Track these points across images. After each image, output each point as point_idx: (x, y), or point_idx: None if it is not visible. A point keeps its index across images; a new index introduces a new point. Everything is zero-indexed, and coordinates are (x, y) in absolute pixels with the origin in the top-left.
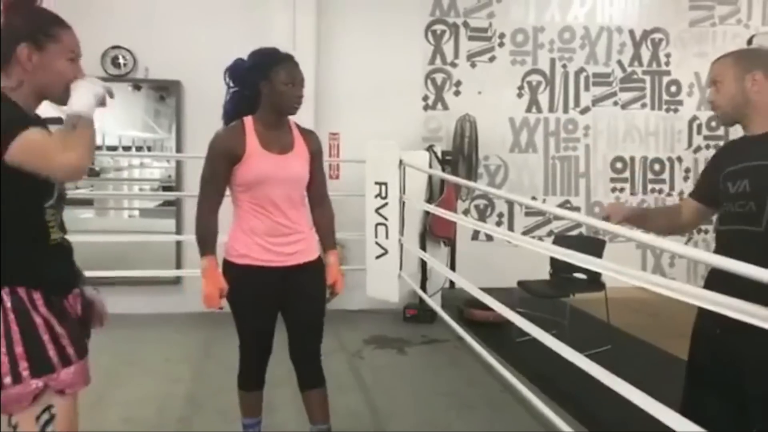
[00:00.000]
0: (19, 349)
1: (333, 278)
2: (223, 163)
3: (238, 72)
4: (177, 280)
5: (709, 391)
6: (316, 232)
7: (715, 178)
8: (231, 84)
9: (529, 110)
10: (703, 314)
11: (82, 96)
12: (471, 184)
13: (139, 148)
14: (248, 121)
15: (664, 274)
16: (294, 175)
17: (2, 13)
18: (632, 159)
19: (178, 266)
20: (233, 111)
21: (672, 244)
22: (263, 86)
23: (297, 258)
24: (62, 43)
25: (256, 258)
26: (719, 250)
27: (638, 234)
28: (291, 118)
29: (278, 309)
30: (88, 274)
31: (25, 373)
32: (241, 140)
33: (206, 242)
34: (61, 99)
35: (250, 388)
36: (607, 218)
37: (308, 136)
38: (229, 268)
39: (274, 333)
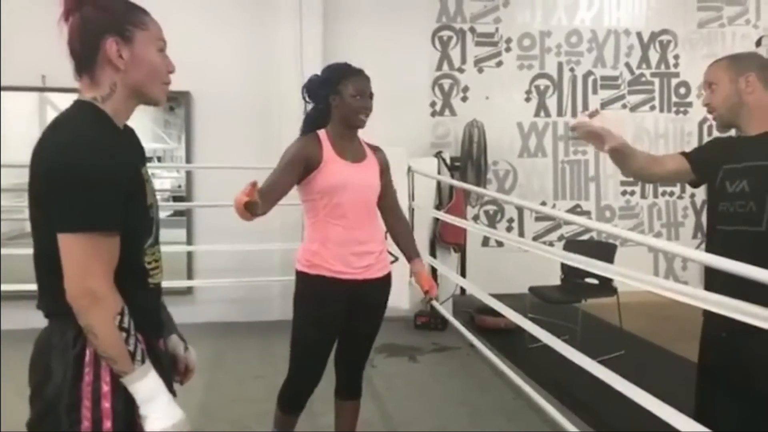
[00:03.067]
0: (106, 405)
1: (427, 284)
2: (297, 166)
3: (312, 87)
4: (188, 291)
5: (720, 394)
6: (395, 242)
7: (714, 168)
8: (307, 99)
9: (537, 114)
10: (709, 317)
11: (161, 412)
12: (480, 190)
13: (149, 159)
14: (322, 133)
15: (677, 277)
16: (369, 183)
17: (72, 12)
18: None
19: (189, 276)
20: (309, 126)
21: (684, 249)
22: (333, 99)
23: (369, 272)
24: (149, 30)
25: (329, 269)
26: (716, 250)
27: (648, 239)
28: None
29: (342, 324)
30: None
31: None
32: (318, 148)
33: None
34: (158, 98)
35: (291, 410)
36: (592, 114)
37: (376, 150)
38: (301, 278)
39: (329, 354)
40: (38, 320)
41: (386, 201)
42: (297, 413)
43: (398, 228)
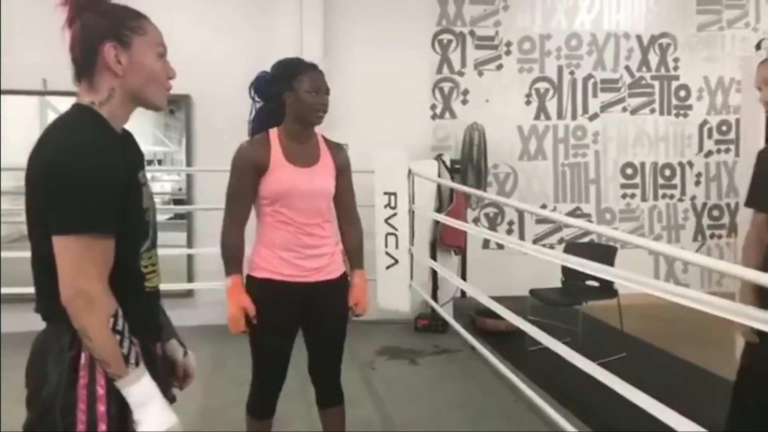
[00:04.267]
0: (101, 409)
1: (356, 298)
2: (249, 175)
3: (261, 85)
4: (188, 293)
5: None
6: (343, 246)
7: None
8: (256, 98)
9: (537, 117)
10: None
11: (154, 417)
12: (479, 192)
13: (149, 162)
14: (273, 132)
15: (678, 280)
16: (318, 188)
17: (72, 17)
18: (642, 165)
19: (190, 279)
20: (260, 126)
21: (684, 252)
22: (287, 96)
23: (321, 274)
24: (148, 35)
25: (278, 272)
26: None
27: (649, 242)
28: (320, 131)
29: (298, 327)
30: None
31: None
32: (265, 152)
33: (232, 261)
34: (158, 104)
35: (262, 415)
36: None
37: (336, 150)
38: (251, 283)
39: (290, 356)
40: (38, 323)
41: (341, 203)
42: (269, 418)
43: (349, 233)
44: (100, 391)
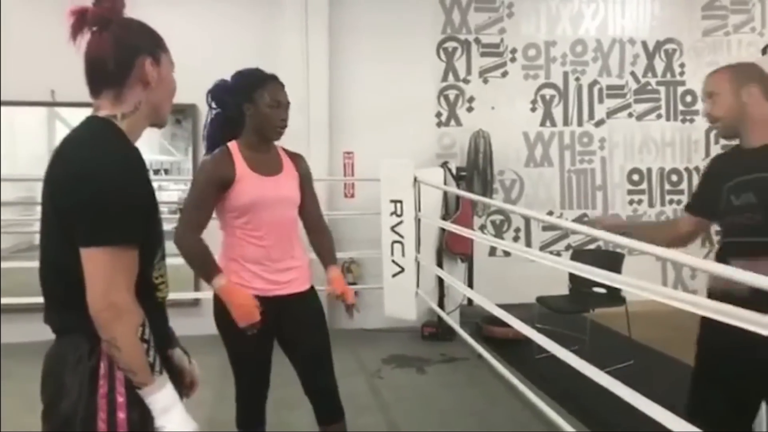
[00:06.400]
0: (121, 416)
1: (340, 289)
2: (212, 189)
3: (220, 93)
4: (195, 303)
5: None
6: (315, 252)
7: (717, 189)
8: (213, 105)
9: (543, 124)
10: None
11: (177, 423)
12: (485, 199)
13: (156, 171)
14: (233, 146)
15: (686, 286)
16: (286, 196)
17: (101, 30)
18: (649, 170)
19: (196, 288)
20: (216, 135)
21: (691, 258)
22: (247, 108)
23: (292, 287)
24: (168, 53)
25: (248, 286)
26: (725, 262)
27: (656, 248)
28: (277, 142)
29: (273, 338)
30: None
31: None
32: (230, 165)
33: (209, 263)
34: (166, 119)
35: (251, 427)
36: (593, 224)
37: (296, 158)
38: (219, 298)
39: (270, 363)
40: (40, 333)
41: (307, 212)
42: (260, 428)
43: (319, 239)
44: (120, 399)
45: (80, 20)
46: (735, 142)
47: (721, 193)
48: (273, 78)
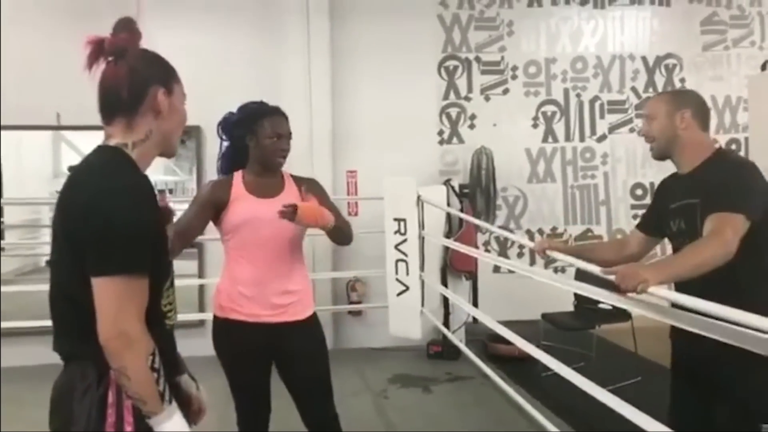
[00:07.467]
0: None
1: (302, 204)
2: (209, 210)
3: (227, 125)
4: (200, 324)
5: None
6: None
7: (663, 212)
8: (223, 137)
9: (545, 140)
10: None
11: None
12: (486, 225)
13: (161, 191)
14: (238, 173)
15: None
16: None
17: (117, 59)
18: (652, 185)
19: (201, 309)
20: (227, 165)
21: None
22: (249, 140)
23: (288, 314)
24: (181, 84)
25: (240, 311)
26: (677, 286)
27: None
28: (286, 169)
29: (270, 363)
30: None
31: None
32: (227, 187)
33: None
34: (175, 149)
35: None
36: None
37: (303, 181)
38: (216, 324)
39: (269, 387)
40: (41, 356)
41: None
42: None
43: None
44: (128, 428)
45: (97, 50)
46: (667, 162)
47: (668, 214)
48: (274, 111)
